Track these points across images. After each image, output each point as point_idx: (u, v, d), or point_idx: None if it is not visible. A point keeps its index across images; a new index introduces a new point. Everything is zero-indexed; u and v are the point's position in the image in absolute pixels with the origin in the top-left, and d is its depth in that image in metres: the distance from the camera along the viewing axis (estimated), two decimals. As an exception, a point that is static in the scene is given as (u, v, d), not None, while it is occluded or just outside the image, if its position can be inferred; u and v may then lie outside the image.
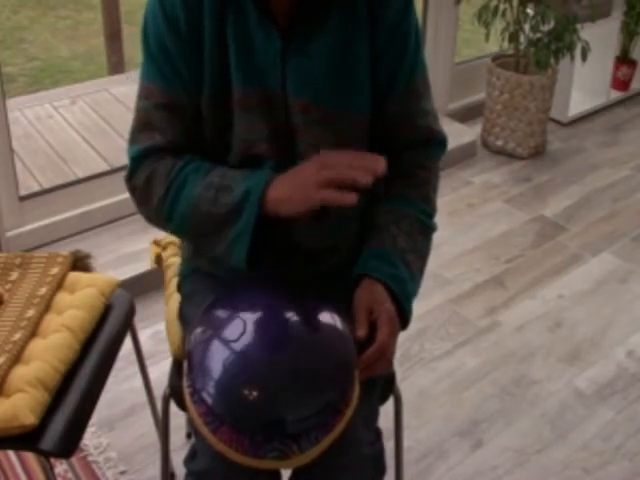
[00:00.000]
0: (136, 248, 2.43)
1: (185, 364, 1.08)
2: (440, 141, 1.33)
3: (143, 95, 1.21)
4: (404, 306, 1.19)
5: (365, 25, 1.18)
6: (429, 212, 1.29)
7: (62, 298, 1.48)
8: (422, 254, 1.26)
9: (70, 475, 1.81)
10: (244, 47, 1.17)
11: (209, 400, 0.99)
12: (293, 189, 1.08)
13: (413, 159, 1.30)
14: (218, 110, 1.21)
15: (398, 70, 1.23)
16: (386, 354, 1.12)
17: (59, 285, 1.51)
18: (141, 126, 1.21)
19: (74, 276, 1.54)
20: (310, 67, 1.18)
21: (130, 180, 1.22)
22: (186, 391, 1.04)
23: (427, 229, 1.28)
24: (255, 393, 0.98)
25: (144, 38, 1.21)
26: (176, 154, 1.19)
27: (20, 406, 1.24)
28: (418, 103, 1.27)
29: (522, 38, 3.12)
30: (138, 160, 1.21)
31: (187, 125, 1.21)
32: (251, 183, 1.11)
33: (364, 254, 1.22)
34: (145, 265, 2.27)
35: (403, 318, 1.19)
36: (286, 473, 1.27)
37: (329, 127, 1.21)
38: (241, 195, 1.10)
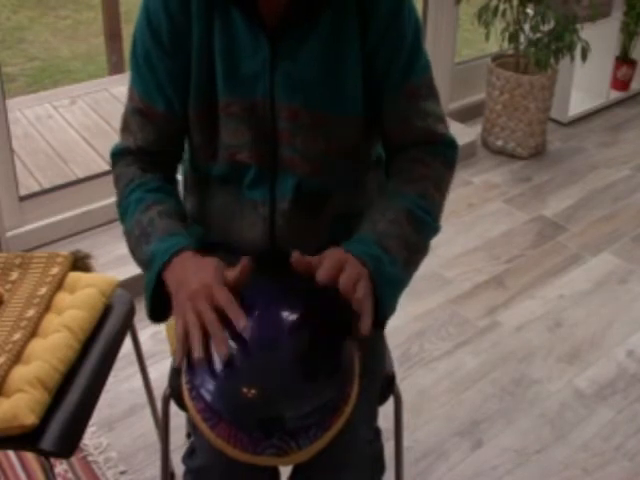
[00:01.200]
0: (136, 248, 2.43)
1: (184, 361, 1.08)
2: (445, 143, 1.27)
3: (128, 96, 1.27)
4: (379, 289, 1.08)
5: (355, 25, 1.16)
6: (424, 206, 1.18)
7: (62, 298, 1.48)
8: (410, 244, 1.15)
9: (70, 475, 1.81)
10: (230, 55, 1.17)
11: (208, 397, 0.99)
12: (178, 286, 1.09)
13: (411, 156, 1.25)
14: (205, 116, 1.22)
15: (392, 68, 1.20)
16: (350, 275, 1.04)
17: (59, 285, 1.51)
18: (123, 125, 1.29)
19: (74, 276, 1.54)
20: (300, 72, 1.17)
21: (112, 171, 1.31)
22: (185, 387, 1.04)
23: (421, 222, 1.17)
24: (253, 391, 0.98)
25: (132, 48, 1.23)
26: (144, 161, 1.27)
27: (20, 406, 1.24)
28: (416, 104, 1.23)
29: (522, 38, 3.12)
30: (114, 156, 1.30)
31: (160, 133, 1.25)
32: (161, 247, 1.14)
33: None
34: (145, 265, 2.27)
35: (381, 308, 1.09)
36: (285, 472, 1.27)
37: (320, 131, 1.20)
38: (150, 254, 1.15)
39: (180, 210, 1.25)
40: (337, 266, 1.05)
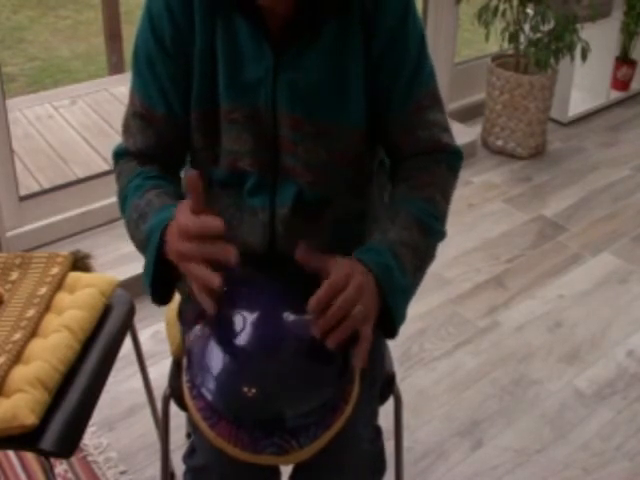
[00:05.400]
0: (136, 248, 2.43)
1: (184, 359, 1.08)
2: (450, 152, 1.26)
3: (129, 100, 1.27)
4: (390, 299, 1.07)
5: (360, 36, 1.16)
6: (432, 212, 1.18)
7: (62, 298, 1.48)
8: (419, 252, 1.14)
9: (70, 475, 1.81)
10: (233, 62, 1.16)
11: (208, 396, 0.99)
12: (170, 245, 1.06)
13: (417, 164, 1.25)
14: (206, 122, 1.21)
15: (397, 79, 1.19)
16: (345, 301, 0.99)
17: (59, 285, 1.51)
18: (124, 126, 1.29)
19: (74, 276, 1.54)
20: (303, 82, 1.16)
21: (113, 169, 1.32)
22: (185, 386, 1.04)
23: (428, 228, 1.17)
24: (254, 390, 0.98)
25: (134, 51, 1.23)
26: (143, 161, 1.26)
27: (20, 406, 1.24)
28: (422, 115, 1.22)
29: (522, 38, 3.12)
30: (116, 156, 1.30)
31: (160, 137, 1.25)
32: (156, 221, 1.12)
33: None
34: (145, 265, 2.27)
35: (390, 317, 1.09)
36: (286, 471, 1.27)
37: (322, 141, 1.20)
38: (147, 231, 1.13)
39: (179, 194, 1.24)
40: (337, 286, 1.01)
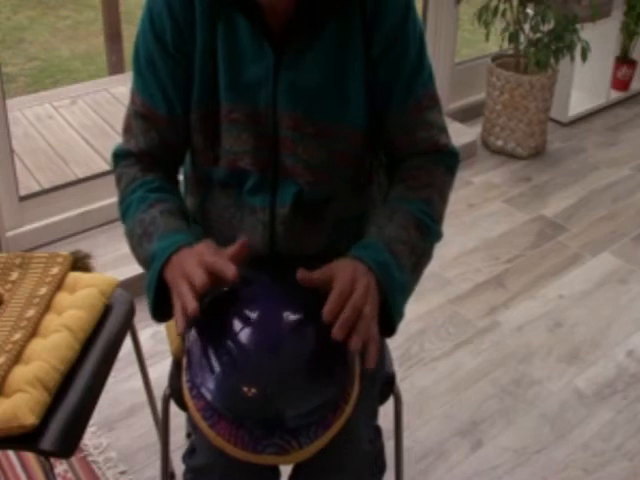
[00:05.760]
0: (136, 248, 2.42)
1: (184, 359, 1.08)
2: (448, 153, 1.27)
3: (130, 100, 1.27)
4: (389, 297, 1.09)
5: (360, 36, 1.16)
6: (429, 213, 1.19)
7: (62, 298, 1.48)
8: (416, 250, 1.15)
9: (70, 475, 1.81)
10: (234, 61, 1.17)
11: (208, 396, 1.00)
12: (173, 278, 1.09)
13: (415, 164, 1.25)
14: (207, 122, 1.22)
15: (396, 80, 1.20)
16: (355, 304, 1.02)
17: (59, 285, 1.51)
18: (125, 127, 1.29)
19: (74, 276, 1.54)
20: (303, 81, 1.16)
21: (113, 171, 1.32)
22: (185, 386, 1.05)
23: (425, 227, 1.18)
24: (254, 390, 0.98)
25: (135, 50, 1.23)
26: (145, 162, 1.27)
27: (20, 406, 1.24)
28: (420, 115, 1.23)
29: (522, 38, 3.12)
30: (116, 157, 1.30)
31: (162, 137, 1.25)
32: (162, 246, 1.14)
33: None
34: (145, 265, 2.26)
35: (390, 315, 1.10)
36: (286, 470, 1.27)
37: (322, 140, 1.20)
38: (151, 254, 1.15)
39: (182, 209, 1.25)
40: (345, 292, 1.04)
